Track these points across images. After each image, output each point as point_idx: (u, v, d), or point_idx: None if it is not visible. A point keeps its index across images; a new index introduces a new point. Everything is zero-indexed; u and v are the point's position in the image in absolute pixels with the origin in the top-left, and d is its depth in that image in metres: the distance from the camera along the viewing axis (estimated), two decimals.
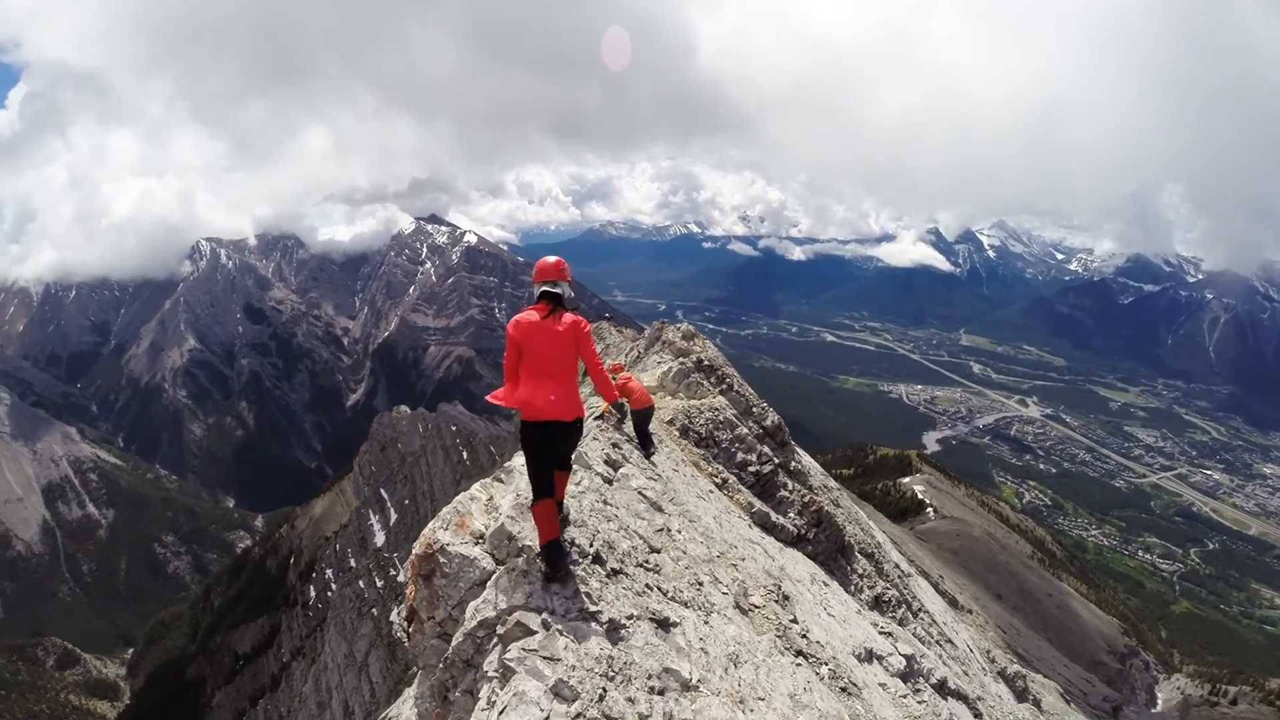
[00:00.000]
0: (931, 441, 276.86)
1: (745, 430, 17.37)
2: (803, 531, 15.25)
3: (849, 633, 10.09)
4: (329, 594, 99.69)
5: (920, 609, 19.08)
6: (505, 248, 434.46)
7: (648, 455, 13.85)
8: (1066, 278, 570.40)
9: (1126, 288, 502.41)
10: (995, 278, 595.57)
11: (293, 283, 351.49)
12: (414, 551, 6.24)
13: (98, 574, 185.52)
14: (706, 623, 6.34)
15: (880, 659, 10.02)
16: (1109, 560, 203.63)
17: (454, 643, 5.52)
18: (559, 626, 5.22)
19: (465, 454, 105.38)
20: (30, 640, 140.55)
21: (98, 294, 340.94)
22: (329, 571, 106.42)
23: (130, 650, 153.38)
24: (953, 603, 40.18)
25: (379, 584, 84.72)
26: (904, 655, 10.84)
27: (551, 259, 7.01)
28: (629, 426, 13.70)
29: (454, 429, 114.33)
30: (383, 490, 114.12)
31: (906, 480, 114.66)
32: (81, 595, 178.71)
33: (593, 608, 5.52)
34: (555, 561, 6.00)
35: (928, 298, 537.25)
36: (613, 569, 6.25)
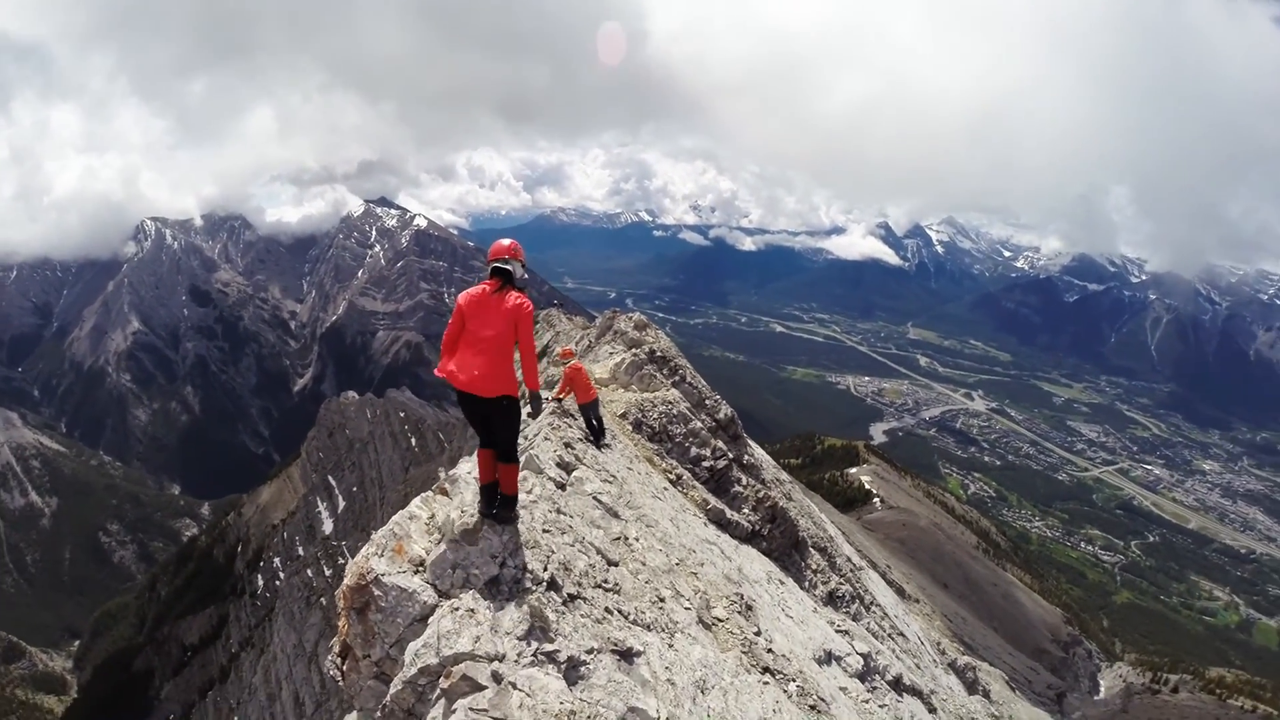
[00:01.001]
0: (878, 433, 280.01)
1: (699, 424, 17.12)
2: (757, 528, 15.11)
3: (808, 634, 9.98)
4: (277, 583, 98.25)
5: (872, 602, 19.08)
6: (455, 232, 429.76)
7: (599, 446, 13.86)
8: (1013, 274, 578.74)
9: (1072, 286, 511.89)
10: (943, 273, 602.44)
11: (239, 265, 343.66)
12: (345, 583, 5.77)
13: (41, 564, 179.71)
14: (671, 645, 6.06)
15: (839, 659, 9.96)
16: (1052, 551, 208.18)
17: (392, 689, 5.11)
18: (511, 679, 4.83)
19: (414, 440, 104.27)
20: None
21: (39, 274, 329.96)
22: (277, 560, 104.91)
23: (76, 642, 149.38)
24: (900, 592, 40.59)
25: (327, 573, 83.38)
26: (860, 654, 10.80)
27: (506, 240, 7.27)
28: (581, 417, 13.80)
29: (402, 415, 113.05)
30: (330, 477, 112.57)
31: (854, 471, 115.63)
32: (25, 586, 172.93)
33: (549, 646, 5.19)
34: (487, 502, 6.57)
35: (876, 291, 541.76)
36: (569, 594, 5.96)
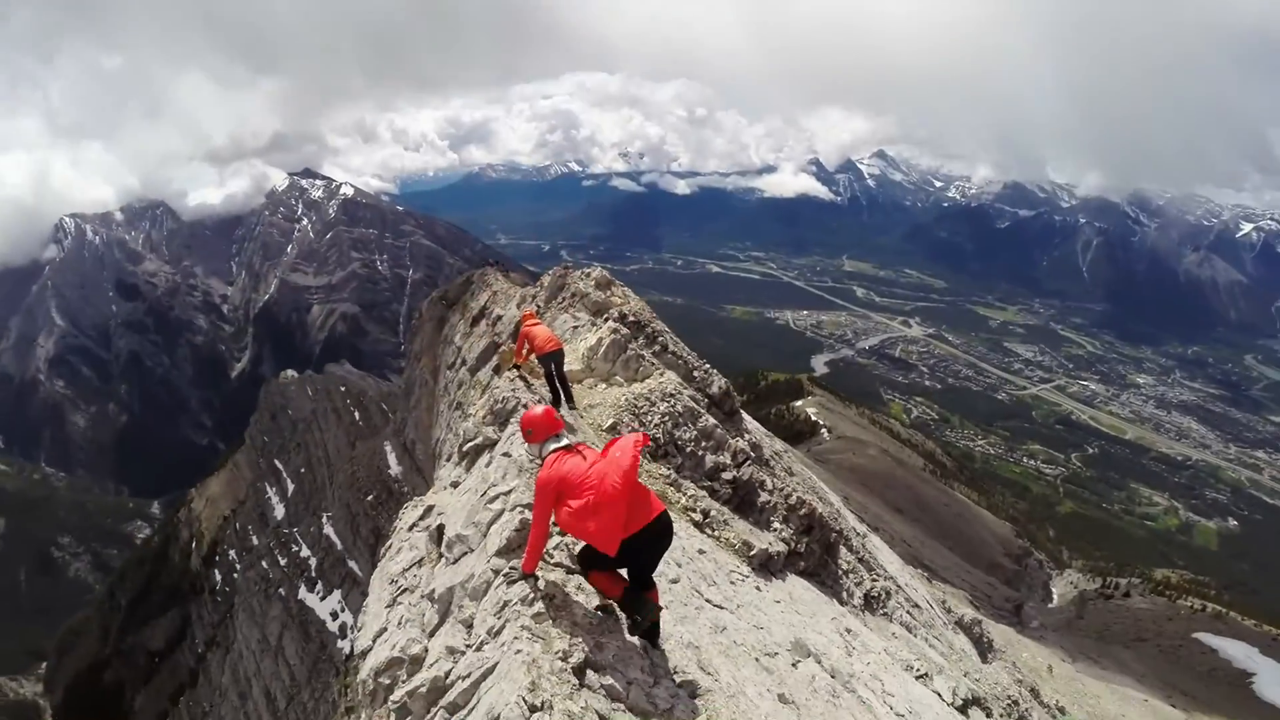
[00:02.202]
0: (820, 364, 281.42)
1: (708, 419, 14.66)
2: (794, 545, 13.03)
3: (907, 700, 8.68)
4: (235, 577, 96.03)
5: (895, 588, 17.92)
6: (385, 198, 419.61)
7: (570, 405, 12.82)
8: (945, 204, 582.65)
9: (1003, 213, 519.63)
10: (876, 206, 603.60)
11: (165, 253, 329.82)
12: None
13: None
14: None
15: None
16: (996, 468, 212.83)
17: None
18: None
19: (357, 414, 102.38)
20: None
21: None
22: (232, 553, 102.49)
23: (44, 665, 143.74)
24: (860, 520, 40.11)
25: (282, 562, 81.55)
26: (943, 692, 9.59)
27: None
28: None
29: (343, 389, 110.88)
30: (277, 461, 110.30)
31: (799, 404, 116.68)
32: None
33: None
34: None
35: (810, 226, 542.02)
36: None
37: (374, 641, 6.91)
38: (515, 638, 5.30)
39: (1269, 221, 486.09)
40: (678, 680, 5.70)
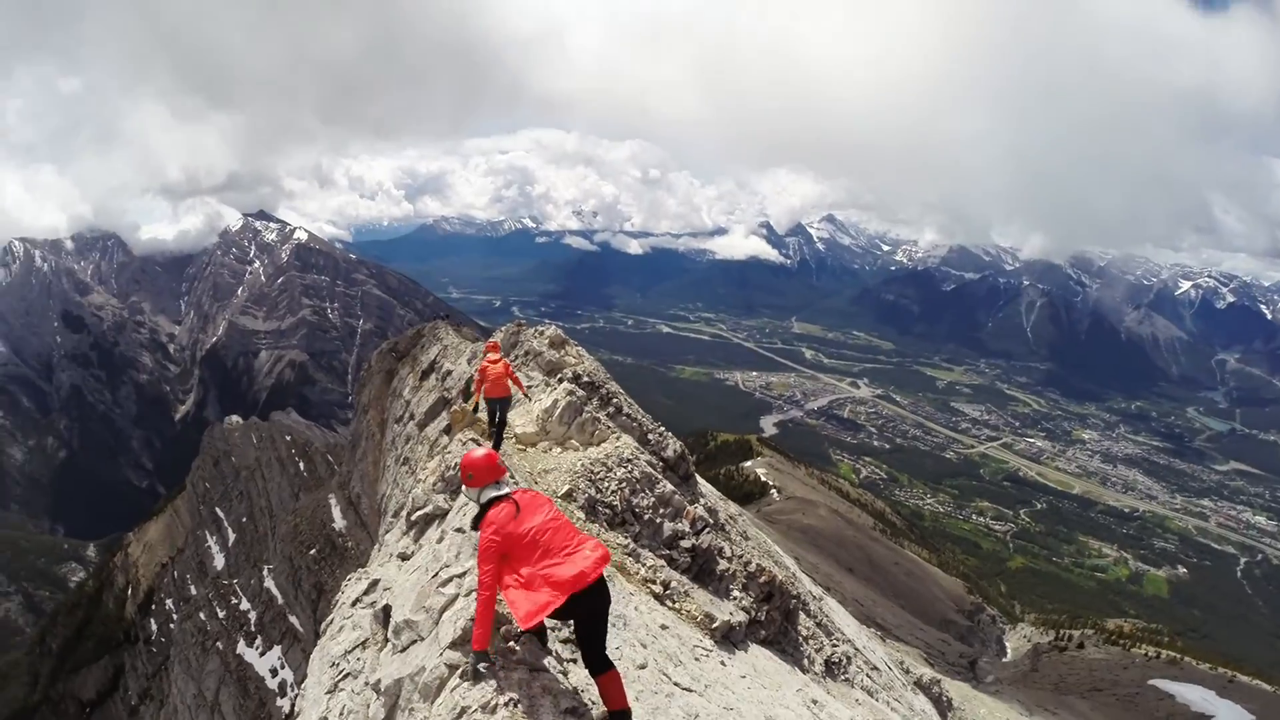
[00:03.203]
0: (769, 425, 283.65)
1: (664, 483, 14.24)
2: (754, 614, 12.70)
3: None
4: (171, 627, 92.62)
5: (854, 651, 17.63)
6: (339, 245, 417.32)
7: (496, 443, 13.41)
8: (892, 267, 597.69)
9: (949, 276, 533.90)
10: (825, 269, 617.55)
11: (114, 286, 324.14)
12: None
13: None
14: None
15: None
16: (945, 525, 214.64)
17: None
18: None
19: (302, 465, 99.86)
20: None
21: None
22: (169, 602, 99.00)
23: None
24: (814, 582, 39.91)
25: (220, 614, 78.77)
26: None
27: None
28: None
29: (289, 438, 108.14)
30: (218, 509, 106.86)
31: (748, 464, 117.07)
32: None
33: None
34: None
35: (760, 288, 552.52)
36: None
37: None
38: None
39: (1206, 279, 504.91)
40: None
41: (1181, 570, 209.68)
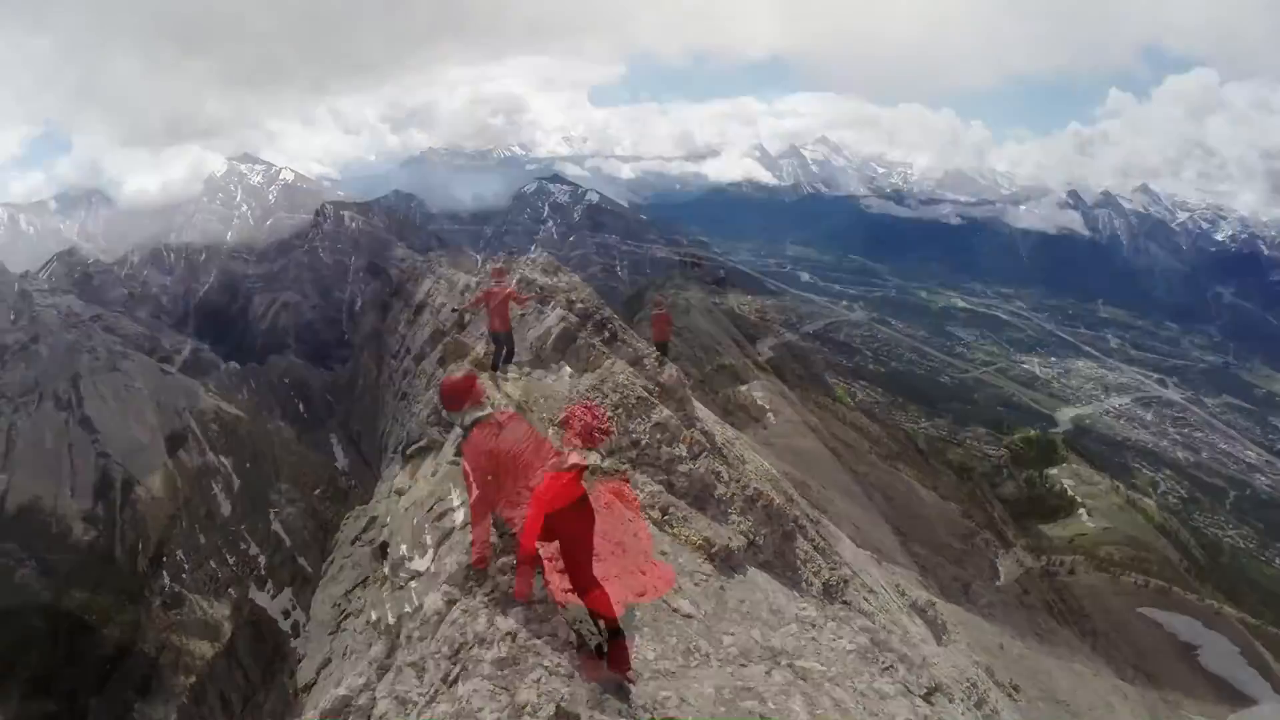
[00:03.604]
0: (765, 349, 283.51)
1: (661, 408, 14.09)
2: (752, 537, 12.64)
3: (878, 696, 8.44)
4: (184, 577, 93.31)
5: (851, 574, 17.73)
6: (326, 183, 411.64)
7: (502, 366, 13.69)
8: (887, 190, 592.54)
9: (944, 200, 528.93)
10: (819, 191, 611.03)
11: (102, 242, 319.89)
12: None
13: None
14: None
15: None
16: (941, 450, 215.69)
17: None
18: None
19: (302, 406, 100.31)
20: None
21: None
22: (179, 553, 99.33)
23: None
24: (811, 505, 40.37)
25: (231, 560, 80.00)
26: (913, 684, 9.44)
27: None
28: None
29: (287, 381, 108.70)
30: (222, 456, 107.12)
31: (744, 388, 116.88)
32: None
33: None
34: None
35: (753, 212, 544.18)
36: None
37: (317, 675, 6.42)
38: (475, 691, 4.71)
39: (1205, 210, 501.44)
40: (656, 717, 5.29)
41: (1172, 500, 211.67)
